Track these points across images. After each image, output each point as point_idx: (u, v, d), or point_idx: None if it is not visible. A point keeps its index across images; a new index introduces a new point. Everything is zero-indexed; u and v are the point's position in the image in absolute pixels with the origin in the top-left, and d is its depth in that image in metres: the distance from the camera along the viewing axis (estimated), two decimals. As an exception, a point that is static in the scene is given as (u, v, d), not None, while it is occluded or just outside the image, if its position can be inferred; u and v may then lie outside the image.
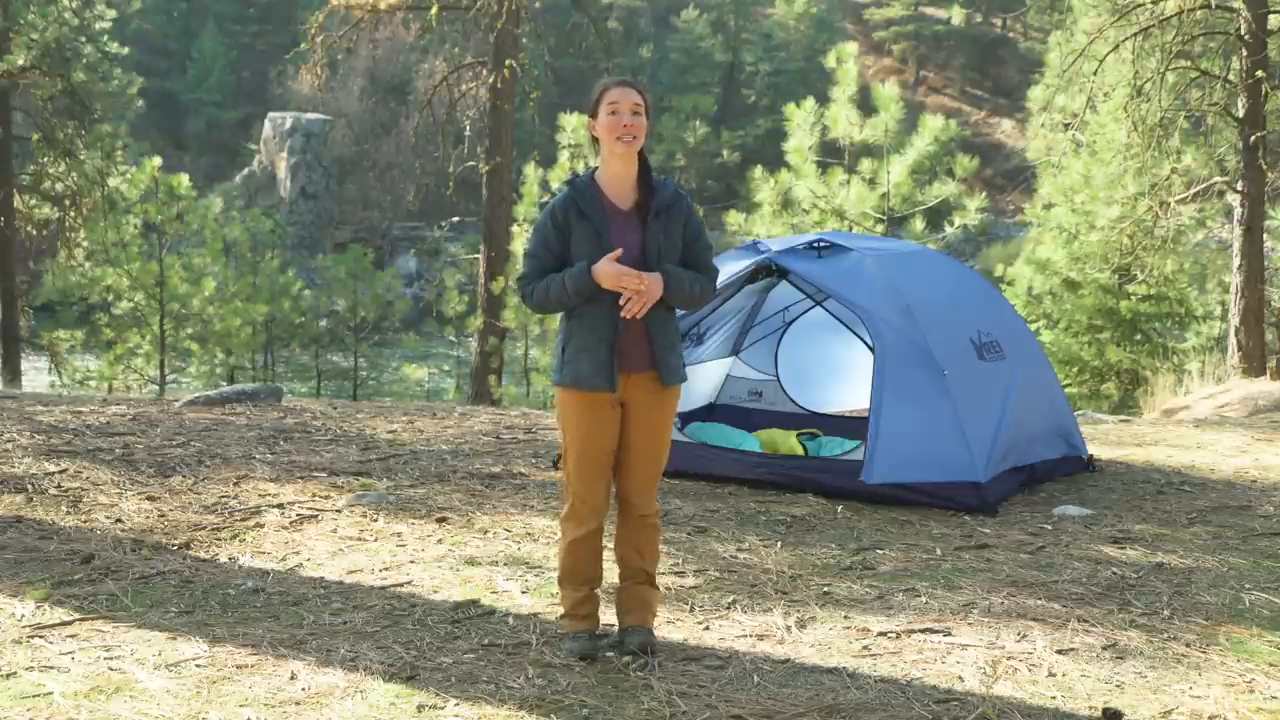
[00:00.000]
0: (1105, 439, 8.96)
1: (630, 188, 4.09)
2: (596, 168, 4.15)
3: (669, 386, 4.12)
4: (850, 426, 8.09)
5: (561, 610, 4.27)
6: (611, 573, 4.33)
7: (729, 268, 7.29)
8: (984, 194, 17.49)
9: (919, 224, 15.48)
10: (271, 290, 22.96)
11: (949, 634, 4.42)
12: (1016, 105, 52.59)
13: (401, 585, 4.93)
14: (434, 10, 21.06)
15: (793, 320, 8.68)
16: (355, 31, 22.09)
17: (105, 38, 23.86)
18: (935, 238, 16.89)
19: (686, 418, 8.04)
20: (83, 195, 21.92)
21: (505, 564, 5.25)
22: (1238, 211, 15.91)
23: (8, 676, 3.91)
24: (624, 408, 4.10)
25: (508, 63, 20.22)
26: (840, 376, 8.58)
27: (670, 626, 4.47)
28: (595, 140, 4.10)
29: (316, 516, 6.00)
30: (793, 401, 8.70)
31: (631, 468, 4.14)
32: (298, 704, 3.71)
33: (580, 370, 4.03)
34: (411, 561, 5.28)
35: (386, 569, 5.17)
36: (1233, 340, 15.79)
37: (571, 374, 4.05)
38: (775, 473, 6.92)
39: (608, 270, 3.93)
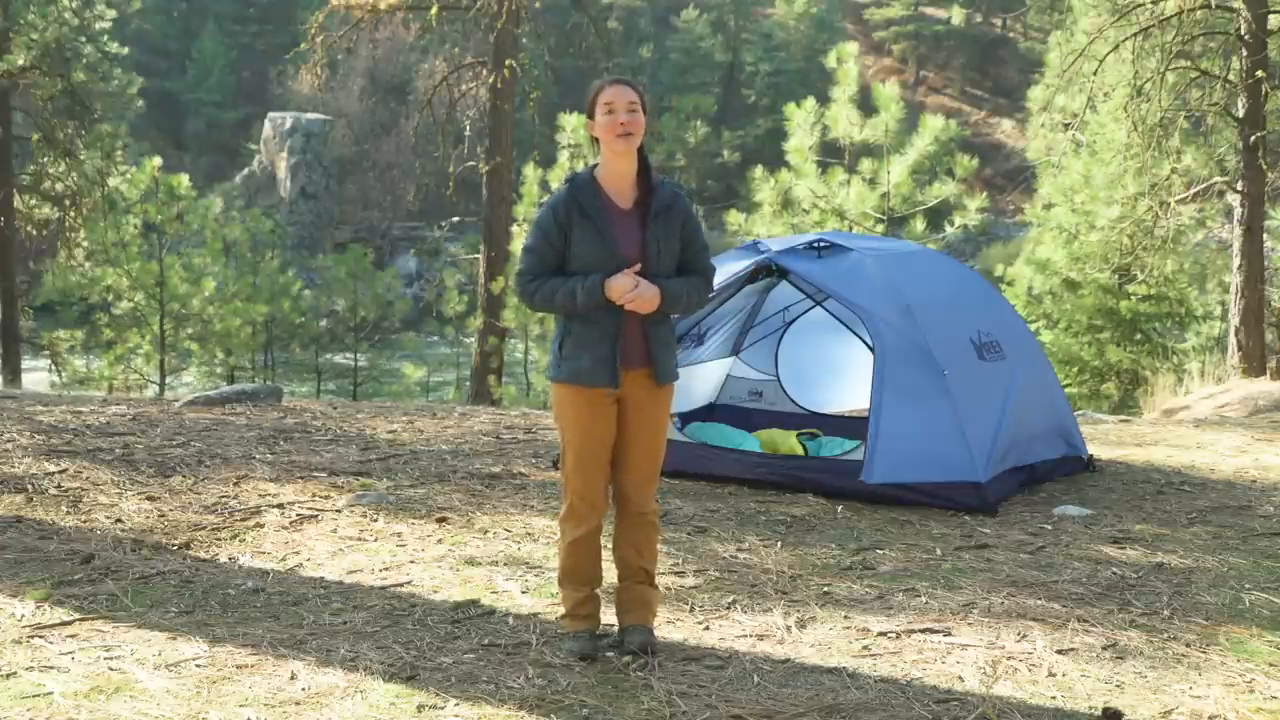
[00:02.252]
0: (1105, 439, 8.96)
1: (630, 186, 4.11)
2: (596, 165, 4.16)
3: (663, 384, 4.15)
4: (850, 426, 8.08)
5: (562, 610, 4.27)
6: (611, 573, 4.33)
7: (729, 268, 7.28)
8: (984, 194, 17.47)
9: (919, 224, 15.46)
10: (271, 290, 22.97)
11: (949, 634, 4.42)
12: (1016, 105, 52.57)
13: (401, 585, 4.93)
14: (434, 10, 21.06)
15: (793, 320, 8.68)
16: (355, 31, 22.09)
17: (105, 38, 23.86)
18: (935, 238, 16.88)
19: (686, 418, 8.04)
20: (83, 195, 21.92)
21: (505, 564, 5.25)
22: (1238, 211, 15.91)
23: (8, 676, 3.91)
24: (620, 404, 4.12)
25: (508, 63, 20.22)
26: (840, 376, 8.57)
27: (670, 626, 4.47)
28: (595, 141, 4.12)
29: (316, 516, 6.00)
30: (793, 401, 8.70)
31: (630, 465, 4.15)
32: (298, 704, 3.72)
33: (581, 366, 4.05)
34: (411, 561, 5.28)
35: (386, 569, 5.17)
36: (1233, 340, 15.79)
37: (571, 370, 4.06)
38: (775, 473, 6.92)
39: (613, 284, 3.97)
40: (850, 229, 15.20)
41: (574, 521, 4.16)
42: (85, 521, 5.83)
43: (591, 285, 3.97)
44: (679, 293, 4.08)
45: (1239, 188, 15.67)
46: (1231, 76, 15.58)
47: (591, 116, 4.08)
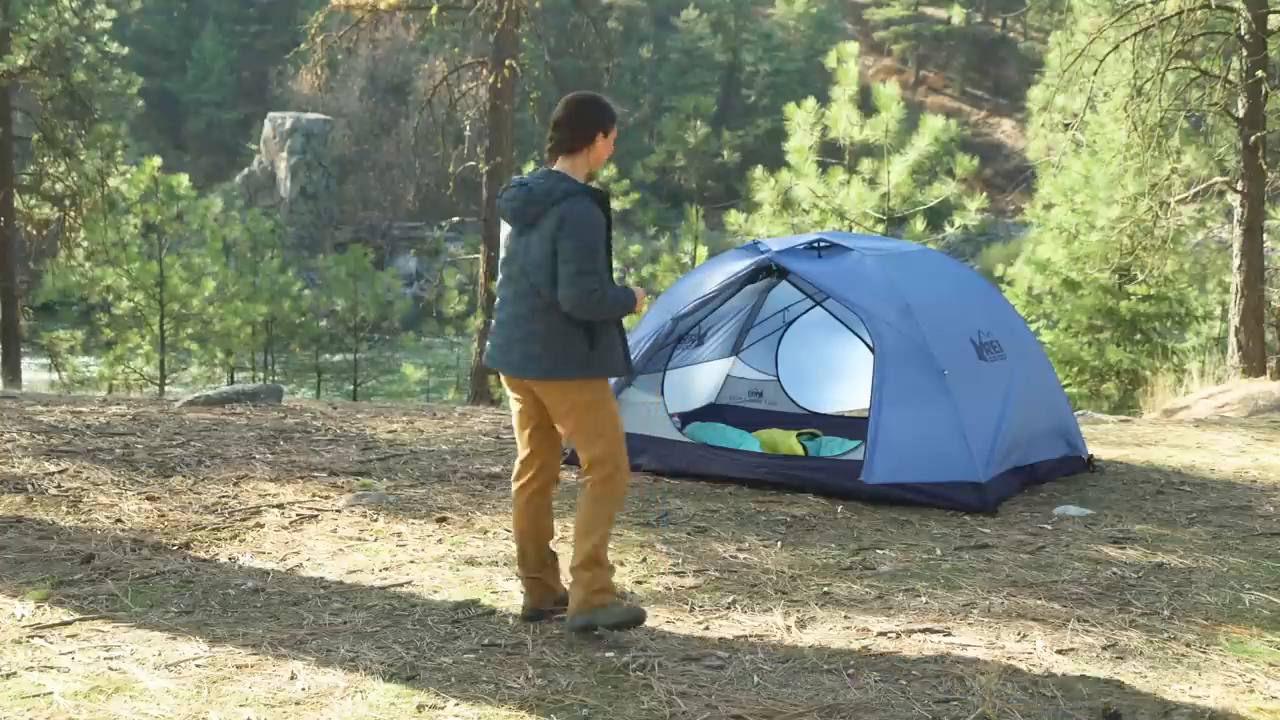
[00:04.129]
0: (1105, 439, 8.96)
1: None
2: (592, 177, 4.42)
3: None
4: (850, 426, 8.08)
5: (597, 586, 4.26)
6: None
7: (729, 267, 7.29)
8: (984, 194, 17.47)
9: (919, 224, 15.46)
10: (271, 290, 22.96)
11: (949, 634, 4.42)
12: (1016, 105, 52.64)
13: (401, 585, 4.93)
14: (434, 10, 21.06)
15: (793, 320, 8.68)
16: (355, 31, 22.08)
17: (105, 38, 23.80)
18: (935, 238, 16.89)
19: (686, 418, 8.04)
20: (83, 195, 21.89)
21: (505, 564, 5.25)
22: (1238, 211, 15.91)
23: (8, 676, 3.91)
24: None
25: (508, 63, 20.22)
26: (840, 376, 8.57)
27: (670, 626, 4.47)
28: (581, 148, 4.33)
29: (316, 516, 6.00)
30: (793, 401, 8.70)
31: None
32: (298, 704, 3.72)
33: (614, 362, 4.32)
34: (411, 561, 5.28)
35: (386, 569, 5.17)
36: (1233, 340, 15.79)
37: (607, 364, 4.30)
38: (775, 473, 6.92)
39: (639, 292, 4.36)
40: (850, 229, 15.20)
41: (624, 490, 4.36)
42: (85, 521, 5.83)
43: (632, 292, 4.30)
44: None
45: (1239, 188, 15.66)
46: (1231, 76, 15.57)
47: (606, 135, 4.33)
